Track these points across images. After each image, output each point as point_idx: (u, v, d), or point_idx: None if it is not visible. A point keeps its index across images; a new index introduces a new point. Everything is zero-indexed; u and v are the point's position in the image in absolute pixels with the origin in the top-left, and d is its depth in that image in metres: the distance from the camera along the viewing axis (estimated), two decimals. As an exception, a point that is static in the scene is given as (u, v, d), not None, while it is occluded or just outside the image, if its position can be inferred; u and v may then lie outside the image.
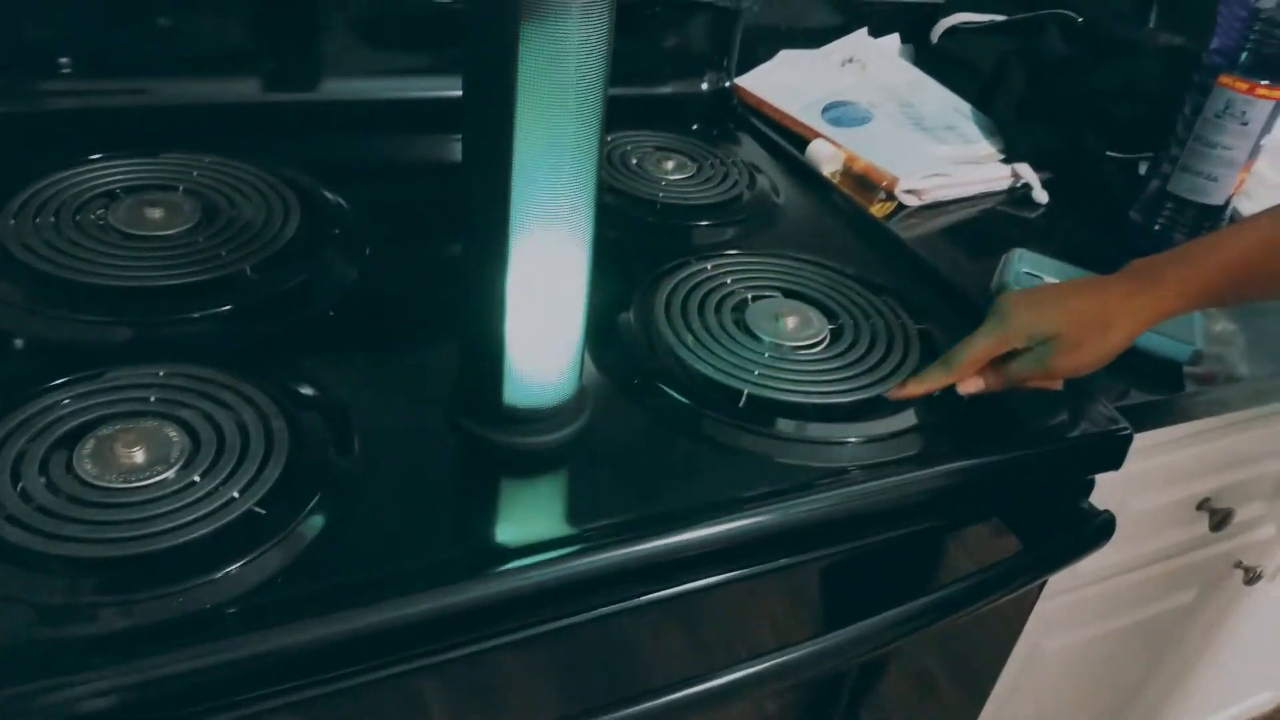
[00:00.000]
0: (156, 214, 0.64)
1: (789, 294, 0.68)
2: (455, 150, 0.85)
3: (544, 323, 0.50)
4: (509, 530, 0.50)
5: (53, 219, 0.62)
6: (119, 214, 0.64)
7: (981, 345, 0.60)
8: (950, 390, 0.61)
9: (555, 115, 0.44)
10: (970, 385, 0.61)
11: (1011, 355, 0.61)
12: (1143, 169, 0.98)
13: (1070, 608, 0.88)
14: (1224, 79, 0.82)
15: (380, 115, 0.85)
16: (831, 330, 0.65)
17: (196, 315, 0.58)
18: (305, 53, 0.82)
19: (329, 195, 0.72)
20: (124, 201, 0.65)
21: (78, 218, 0.63)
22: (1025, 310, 0.60)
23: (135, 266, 0.59)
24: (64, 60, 0.74)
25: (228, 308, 0.59)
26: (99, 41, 0.75)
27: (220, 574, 0.42)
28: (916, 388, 0.61)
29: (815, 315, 0.65)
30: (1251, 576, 0.99)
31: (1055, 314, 0.60)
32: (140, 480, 0.45)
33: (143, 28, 0.75)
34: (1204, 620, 1.05)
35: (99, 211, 0.64)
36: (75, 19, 0.73)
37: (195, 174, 0.70)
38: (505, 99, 0.43)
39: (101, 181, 0.67)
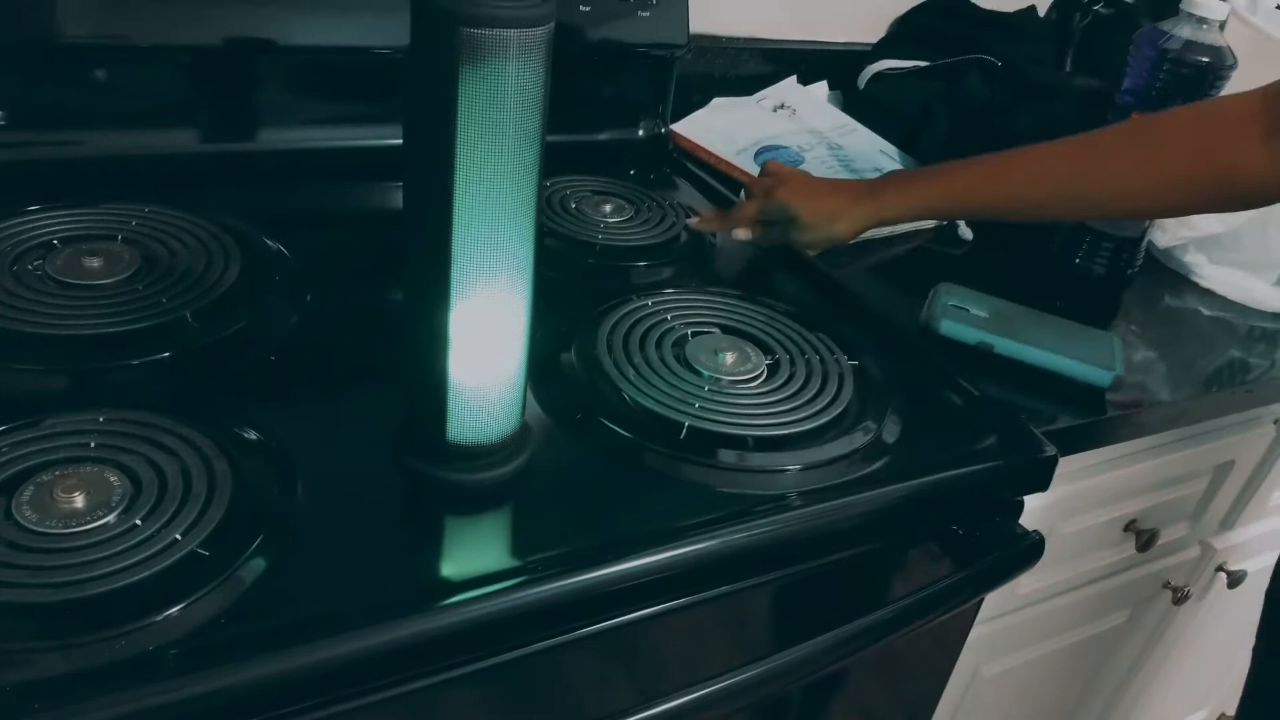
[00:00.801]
0: (95, 263, 0.64)
1: (727, 330, 0.70)
2: (393, 197, 0.86)
3: (486, 359, 0.51)
4: (453, 565, 0.50)
5: (-11, 269, 0.62)
6: (57, 264, 0.64)
7: (749, 204, 0.84)
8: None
9: (494, 158, 0.46)
10: (742, 232, 0.83)
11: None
12: (1061, 206, 1.03)
13: (1007, 631, 0.90)
14: (1136, 117, 0.87)
15: (316, 164, 0.86)
16: (768, 365, 0.67)
17: (136, 362, 0.58)
18: (242, 102, 0.83)
19: (269, 242, 0.72)
20: (62, 251, 0.65)
21: (14, 268, 0.63)
22: (787, 192, 0.81)
23: (74, 315, 0.59)
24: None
25: (168, 354, 0.59)
26: (32, 93, 0.75)
27: (162, 616, 0.42)
28: (703, 224, 0.85)
29: (752, 350, 0.67)
30: (1180, 596, 1.03)
31: (802, 201, 0.80)
32: (81, 525, 0.45)
33: (77, 80, 0.76)
34: (1138, 641, 1.08)
35: (36, 262, 0.64)
36: (6, 71, 0.73)
37: (134, 223, 0.70)
38: (445, 143, 0.45)
39: (39, 232, 0.67)
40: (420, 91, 0.45)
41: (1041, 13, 1.22)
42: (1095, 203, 0.79)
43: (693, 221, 0.85)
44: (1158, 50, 0.84)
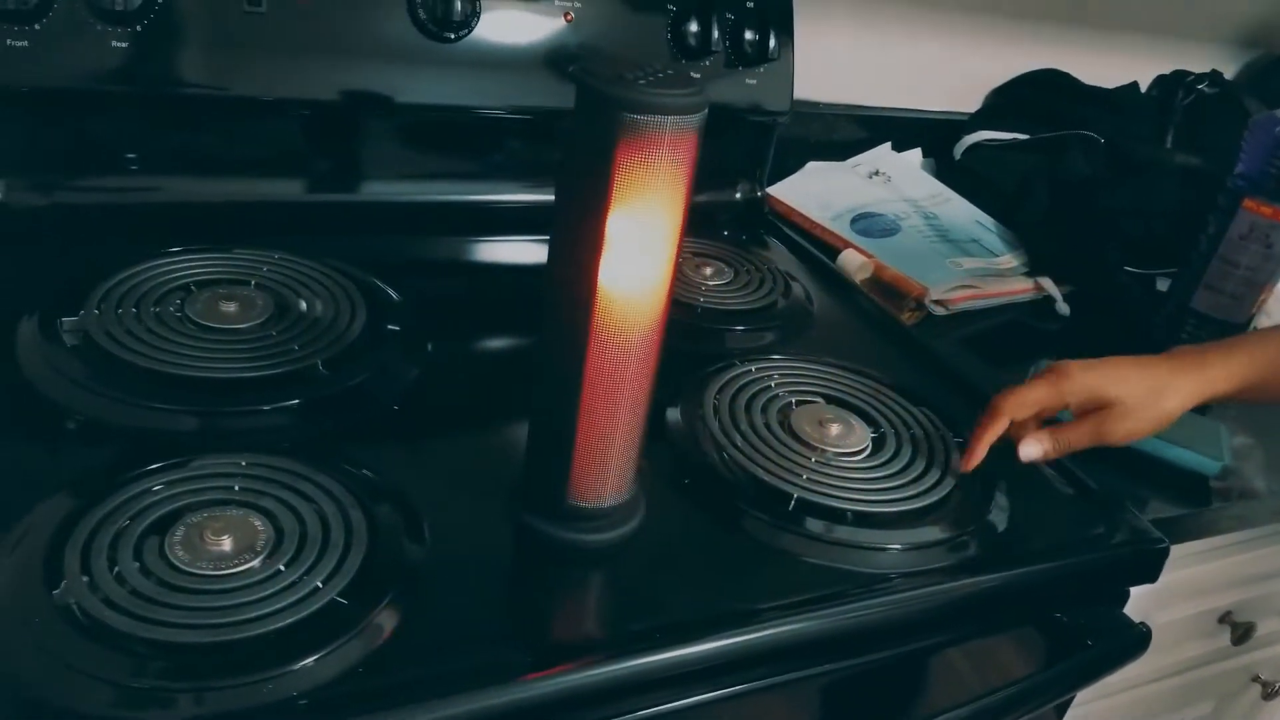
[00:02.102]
0: (231, 308, 0.67)
1: (830, 400, 0.71)
2: (497, 250, 0.89)
3: (611, 426, 0.53)
4: (566, 628, 0.52)
5: (134, 310, 0.65)
6: (196, 306, 0.67)
7: (1034, 393, 0.64)
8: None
9: (641, 229, 0.47)
10: (1033, 448, 0.65)
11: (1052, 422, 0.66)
12: (1160, 284, 1.02)
13: (1092, 718, 0.88)
14: (1249, 203, 0.87)
15: (424, 216, 0.89)
16: (873, 438, 0.67)
17: (268, 408, 0.61)
18: (356, 155, 0.86)
19: (389, 291, 0.75)
20: (200, 294, 0.68)
21: (156, 309, 0.66)
22: (1083, 372, 0.65)
23: (212, 358, 0.62)
24: (131, 156, 0.78)
25: (298, 401, 0.62)
26: (162, 140, 0.79)
27: (303, 663, 0.44)
28: (977, 446, 0.64)
29: (858, 423, 0.68)
30: (1270, 691, 1.00)
31: (1113, 379, 0.64)
32: (229, 568, 0.47)
33: (203, 129, 0.80)
34: (1223, 733, 1.05)
35: (176, 303, 0.67)
36: (138, 119, 0.78)
37: (266, 269, 0.73)
38: (597, 214, 0.46)
39: (178, 274, 0.70)
40: (578, 165, 0.47)
41: (1143, 89, 1.22)
42: None
43: (964, 465, 0.65)
44: (1275, 137, 0.83)
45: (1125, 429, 0.64)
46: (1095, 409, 0.64)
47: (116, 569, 0.46)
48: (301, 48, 0.78)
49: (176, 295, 0.68)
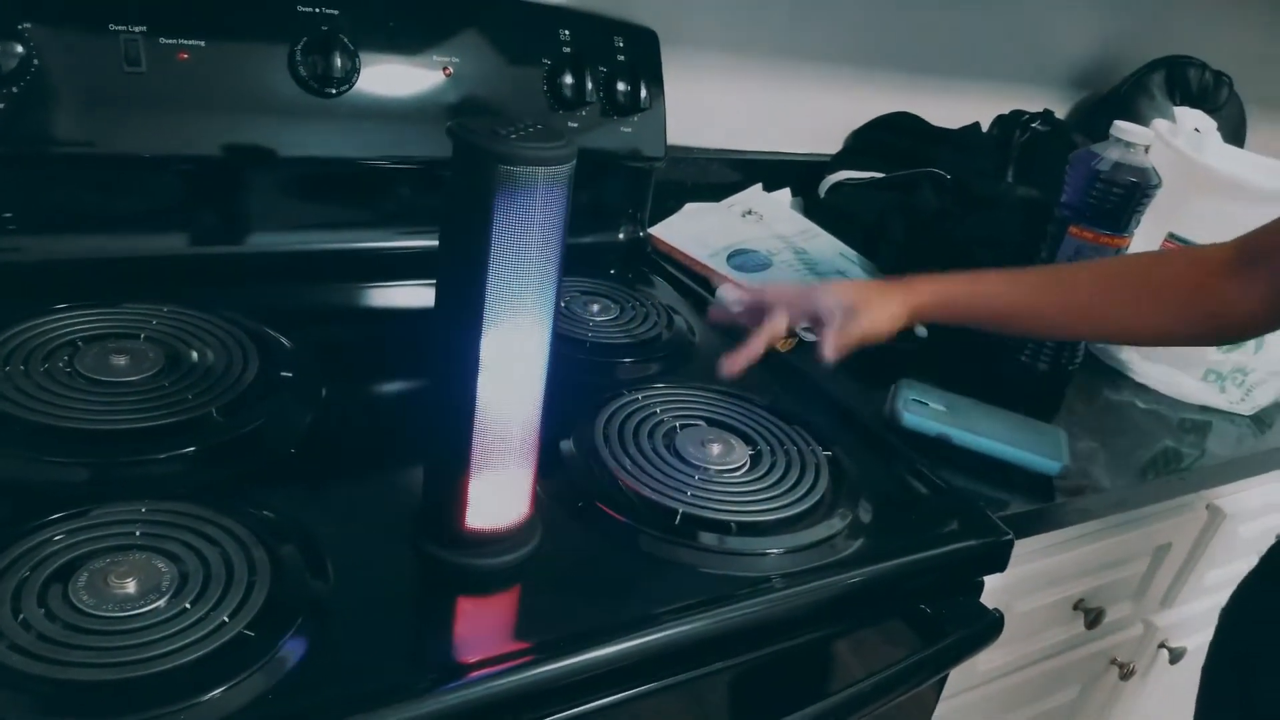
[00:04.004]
0: (122, 361, 0.68)
1: (712, 423, 0.76)
2: (384, 296, 0.92)
3: (504, 454, 0.56)
4: (469, 645, 0.54)
5: (22, 367, 0.66)
6: (86, 361, 0.68)
7: (772, 323, 0.82)
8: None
9: (520, 274, 0.51)
10: (829, 348, 0.81)
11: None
12: (1006, 306, 1.11)
13: (969, 708, 0.95)
14: (1073, 229, 0.96)
15: (311, 265, 0.91)
16: (751, 455, 0.72)
17: (163, 456, 0.62)
18: (241, 208, 0.88)
19: (281, 340, 0.77)
20: (89, 349, 0.69)
21: (45, 366, 0.67)
22: (835, 291, 0.84)
23: (108, 411, 0.63)
24: (8, 216, 0.78)
25: (197, 448, 0.63)
26: (41, 199, 0.79)
27: (215, 693, 0.46)
28: (736, 365, 0.80)
29: (737, 442, 0.73)
30: (1125, 672, 1.09)
31: (853, 291, 0.84)
32: (135, 609, 0.49)
33: (83, 186, 0.81)
34: (1089, 716, 1.13)
35: (65, 359, 0.68)
36: (12, 177, 0.78)
37: (155, 322, 0.74)
38: (479, 261, 0.50)
39: (65, 331, 0.71)
40: (458, 214, 0.51)
41: (985, 128, 1.33)
42: (1103, 327, 0.87)
43: (728, 368, 0.80)
44: (1091, 170, 0.93)
45: (864, 324, 0.81)
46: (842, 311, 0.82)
47: (21, 616, 0.47)
48: (183, 105, 0.80)
49: (64, 351, 0.69)
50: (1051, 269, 0.88)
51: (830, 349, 0.81)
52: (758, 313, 0.84)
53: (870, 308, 0.82)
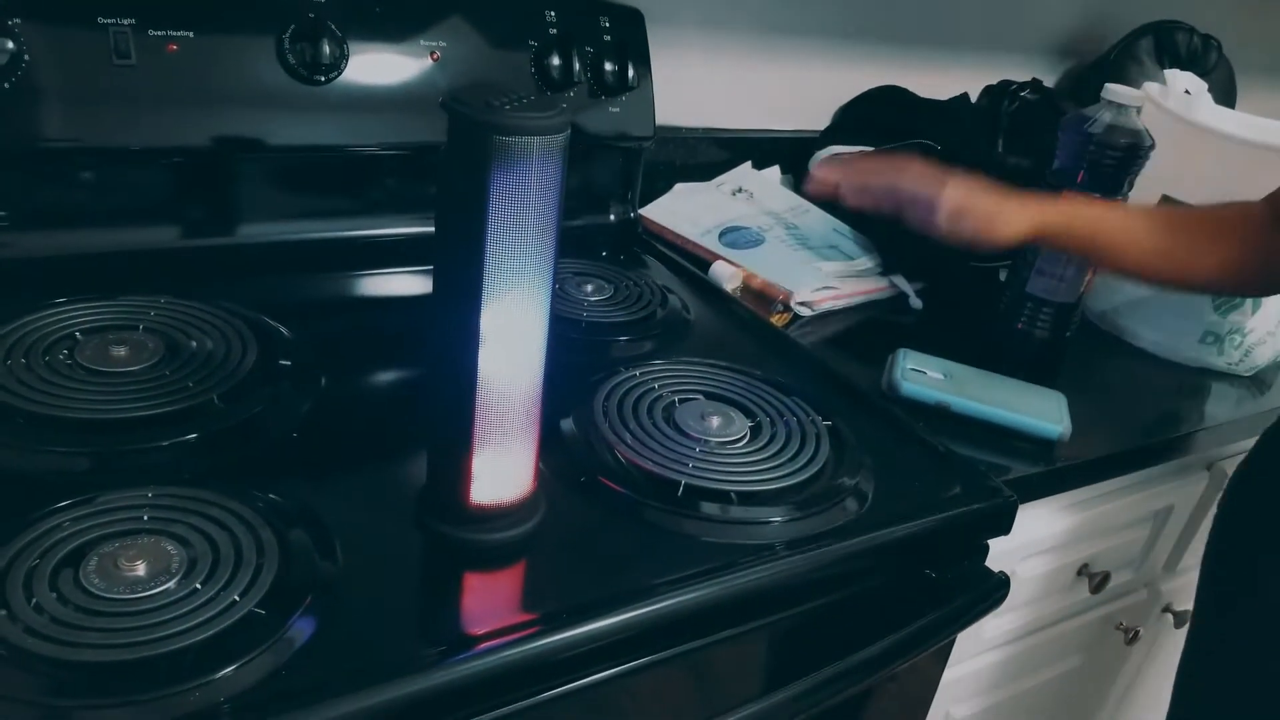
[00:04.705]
0: (122, 351, 0.69)
1: (710, 396, 0.76)
2: (378, 284, 0.92)
3: (506, 429, 0.57)
4: (477, 618, 0.55)
5: (24, 360, 0.66)
6: (86, 353, 0.68)
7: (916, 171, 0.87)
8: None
9: (518, 246, 0.52)
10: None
11: None
12: (1002, 275, 1.12)
13: (976, 675, 0.95)
14: (1066, 195, 0.96)
15: (305, 254, 0.91)
16: (751, 427, 0.73)
17: (167, 443, 0.62)
18: (233, 199, 0.88)
19: (279, 328, 0.77)
20: (88, 342, 0.69)
21: (46, 359, 0.67)
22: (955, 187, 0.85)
23: (110, 400, 0.63)
24: (2, 214, 0.78)
25: (195, 435, 0.63)
26: (34, 195, 0.79)
27: (229, 670, 0.46)
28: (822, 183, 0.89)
29: (736, 415, 0.73)
30: (1131, 637, 1.09)
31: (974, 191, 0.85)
32: (146, 590, 0.49)
33: (76, 181, 0.81)
34: (1096, 680, 1.14)
35: (65, 352, 0.68)
36: (5, 173, 0.78)
37: (153, 314, 0.74)
38: (477, 234, 0.50)
39: (64, 324, 0.71)
40: (454, 188, 0.51)
41: (973, 99, 1.33)
42: (1180, 269, 0.87)
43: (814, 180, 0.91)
44: (1083, 134, 0.93)
45: (985, 225, 0.84)
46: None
47: (35, 600, 0.47)
48: (174, 98, 0.80)
49: (64, 344, 0.69)
50: (1151, 212, 0.90)
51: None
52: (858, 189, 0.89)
53: (992, 217, 0.84)
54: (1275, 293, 0.88)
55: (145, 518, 0.53)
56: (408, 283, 0.93)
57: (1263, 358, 1.05)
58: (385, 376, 0.77)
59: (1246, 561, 0.84)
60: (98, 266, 0.81)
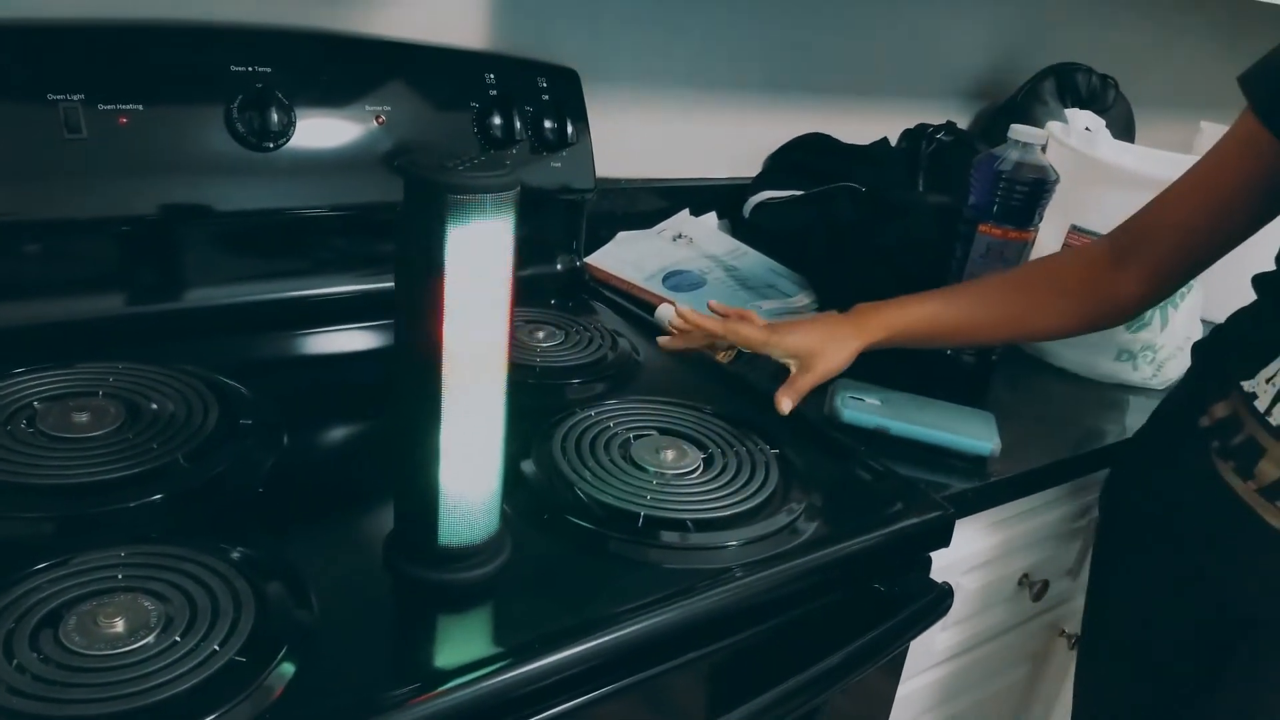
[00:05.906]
0: (84, 418, 0.70)
1: (664, 431, 0.79)
2: (336, 341, 0.94)
3: (470, 473, 0.59)
4: (452, 654, 0.57)
5: (-15, 431, 0.67)
6: (48, 421, 0.69)
7: (755, 336, 0.91)
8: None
9: (476, 297, 0.55)
10: (785, 402, 0.87)
11: None
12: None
13: (927, 690, 0.99)
14: (982, 228, 1.03)
15: (264, 316, 0.93)
16: (704, 459, 0.76)
17: (134, 504, 0.63)
18: (182, 263, 0.90)
19: (238, 388, 0.79)
20: (49, 410, 0.70)
21: (8, 428, 0.68)
22: (787, 334, 0.90)
23: (76, 465, 0.64)
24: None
25: (167, 494, 0.64)
26: None
27: (215, 716, 0.48)
28: (673, 343, 0.97)
29: (689, 448, 0.77)
30: (1073, 642, 1.14)
31: (802, 336, 0.90)
32: (126, 646, 0.50)
33: (26, 252, 0.82)
34: (1044, 686, 1.18)
35: (25, 420, 0.69)
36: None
37: (111, 379, 0.75)
38: (435, 287, 0.53)
39: (22, 394, 0.72)
40: (411, 244, 0.54)
41: (893, 142, 1.40)
42: (1020, 330, 0.97)
43: (664, 341, 0.98)
44: (994, 172, 1.00)
45: (821, 369, 0.88)
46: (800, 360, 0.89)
47: (15, 661, 0.48)
48: (126, 168, 0.82)
49: (24, 414, 0.70)
50: (975, 285, 0.97)
51: (787, 402, 0.87)
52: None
53: (825, 354, 0.89)
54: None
55: (120, 576, 0.55)
56: (359, 338, 0.95)
57: (1174, 371, 1.12)
58: (344, 430, 0.79)
59: (1116, 563, 0.92)
60: (54, 336, 0.82)
